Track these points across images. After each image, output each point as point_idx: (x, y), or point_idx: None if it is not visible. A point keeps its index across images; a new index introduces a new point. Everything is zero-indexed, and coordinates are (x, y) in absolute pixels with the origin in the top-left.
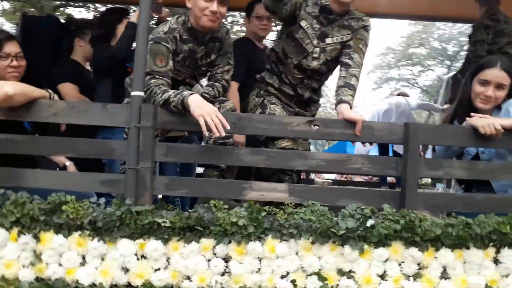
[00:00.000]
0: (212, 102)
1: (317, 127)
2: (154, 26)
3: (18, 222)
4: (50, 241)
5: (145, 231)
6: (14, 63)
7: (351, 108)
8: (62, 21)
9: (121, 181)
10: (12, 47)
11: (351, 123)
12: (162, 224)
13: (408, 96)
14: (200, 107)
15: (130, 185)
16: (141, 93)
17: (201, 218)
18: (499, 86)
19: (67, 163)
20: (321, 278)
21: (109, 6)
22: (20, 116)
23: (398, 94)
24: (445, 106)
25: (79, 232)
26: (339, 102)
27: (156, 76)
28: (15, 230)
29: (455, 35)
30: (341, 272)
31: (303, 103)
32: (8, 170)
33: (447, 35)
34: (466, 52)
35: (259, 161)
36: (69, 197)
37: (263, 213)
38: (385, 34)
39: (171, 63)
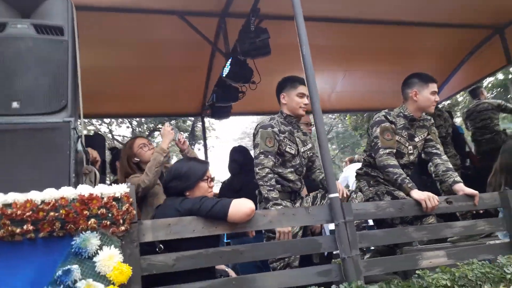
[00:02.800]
0: None
1: (451, 203)
2: None
3: None
4: None
5: None
6: (211, 183)
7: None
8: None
9: (332, 270)
10: (210, 171)
11: (470, 196)
12: None
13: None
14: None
15: (350, 272)
16: (337, 194)
17: (418, 284)
18: None
19: (227, 269)
20: None
21: None
22: (242, 228)
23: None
24: None
25: None
26: (454, 182)
27: None
28: None
29: None
30: None
31: None
32: (241, 279)
33: None
34: None
35: (423, 235)
36: None
37: (457, 273)
38: (239, 120)
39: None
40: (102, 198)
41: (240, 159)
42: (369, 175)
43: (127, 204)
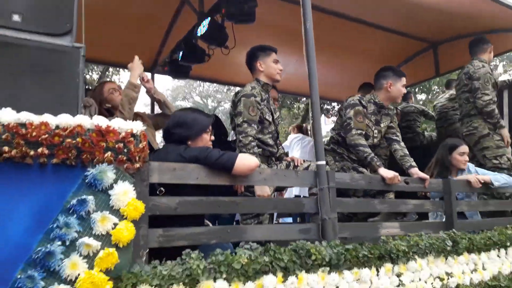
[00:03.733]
0: None
1: (408, 184)
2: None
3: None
4: (305, 280)
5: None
6: (212, 137)
7: None
8: None
9: (311, 229)
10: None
11: (422, 180)
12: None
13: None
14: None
15: (328, 231)
16: (324, 162)
17: (384, 247)
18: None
19: (206, 221)
20: (441, 278)
21: None
22: (240, 181)
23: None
24: None
25: (321, 268)
26: (411, 167)
27: None
28: (280, 275)
29: (212, 93)
30: (447, 274)
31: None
32: (234, 228)
33: (205, 92)
34: None
35: (384, 207)
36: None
37: (411, 242)
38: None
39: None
40: (119, 132)
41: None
42: (335, 152)
43: (144, 142)
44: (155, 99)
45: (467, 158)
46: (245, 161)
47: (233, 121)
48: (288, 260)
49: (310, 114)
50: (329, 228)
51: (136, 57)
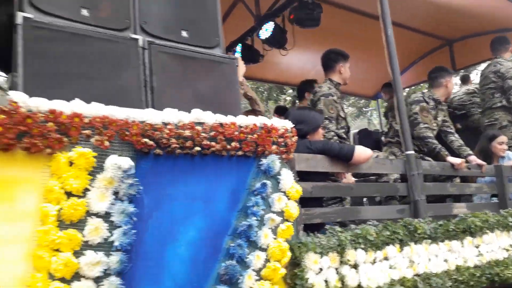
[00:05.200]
0: None
1: (470, 169)
2: None
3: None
4: (414, 250)
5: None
6: (323, 131)
7: None
8: None
9: (405, 210)
10: None
11: (479, 165)
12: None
13: None
14: None
15: (420, 210)
16: (413, 152)
17: (465, 222)
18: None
19: None
20: (506, 249)
21: None
22: (352, 169)
23: None
24: None
25: (424, 240)
26: (468, 155)
27: None
28: (397, 246)
29: None
30: (510, 246)
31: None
32: (352, 209)
33: None
34: None
35: (454, 190)
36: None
37: (483, 218)
38: None
39: None
40: (279, 129)
41: None
42: (400, 143)
43: (295, 137)
44: (247, 96)
45: (505, 147)
46: (363, 152)
47: None
48: (403, 233)
49: (396, 112)
50: (421, 208)
51: (239, 57)
